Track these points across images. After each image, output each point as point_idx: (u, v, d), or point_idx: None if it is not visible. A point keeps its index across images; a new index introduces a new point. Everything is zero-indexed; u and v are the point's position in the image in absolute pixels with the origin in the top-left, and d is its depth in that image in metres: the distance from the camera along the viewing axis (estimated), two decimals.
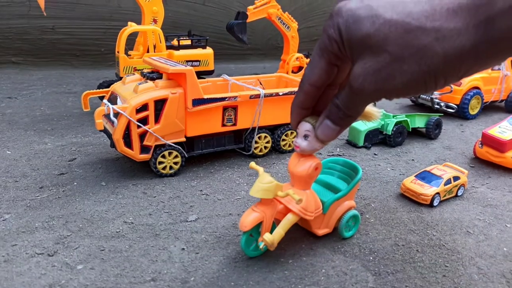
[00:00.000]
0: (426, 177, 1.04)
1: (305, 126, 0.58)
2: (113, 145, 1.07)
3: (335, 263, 0.76)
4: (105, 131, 1.13)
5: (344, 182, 0.89)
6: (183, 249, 0.79)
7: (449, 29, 0.34)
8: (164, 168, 1.11)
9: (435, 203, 0.99)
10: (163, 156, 1.10)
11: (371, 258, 0.78)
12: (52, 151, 1.29)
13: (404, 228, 0.89)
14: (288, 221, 0.74)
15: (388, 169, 1.23)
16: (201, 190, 1.05)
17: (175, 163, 1.12)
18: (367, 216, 0.94)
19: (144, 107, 1.04)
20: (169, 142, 1.10)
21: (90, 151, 1.30)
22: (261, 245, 0.73)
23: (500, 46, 0.33)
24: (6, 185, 1.04)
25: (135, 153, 1.06)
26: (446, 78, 0.36)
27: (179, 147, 1.12)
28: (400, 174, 1.18)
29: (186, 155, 1.14)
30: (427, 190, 0.99)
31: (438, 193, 0.99)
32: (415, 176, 1.06)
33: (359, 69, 0.39)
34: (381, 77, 0.37)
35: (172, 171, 1.12)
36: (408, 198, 1.03)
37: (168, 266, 0.74)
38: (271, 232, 0.73)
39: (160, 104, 1.07)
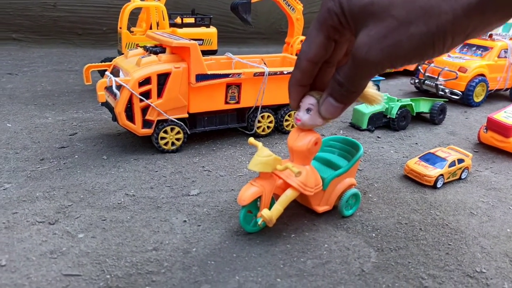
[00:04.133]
0: (430, 158, 1.03)
1: (309, 100, 0.57)
2: (115, 118, 1.06)
3: (337, 238, 0.76)
4: (106, 104, 1.12)
5: (345, 159, 0.88)
6: (185, 221, 0.79)
7: None
8: (166, 144, 1.10)
9: (439, 184, 0.98)
10: (165, 132, 1.09)
11: (373, 235, 0.78)
12: (53, 125, 1.27)
13: (407, 207, 0.89)
14: (287, 196, 0.72)
15: (391, 151, 1.22)
16: (203, 167, 1.04)
17: (177, 139, 1.11)
18: (370, 195, 0.93)
19: (146, 81, 1.03)
20: (171, 117, 1.08)
21: (91, 126, 1.29)
22: (259, 221, 0.71)
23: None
24: (6, 156, 1.03)
25: (137, 128, 1.05)
26: (454, 37, 0.35)
27: (182, 123, 1.11)
28: (403, 157, 1.18)
29: (189, 132, 1.13)
30: (431, 171, 0.98)
31: (442, 174, 0.98)
32: (419, 158, 1.05)
33: (363, 38, 0.37)
34: (388, 43, 0.36)
35: (174, 147, 1.11)
36: (411, 179, 1.02)
37: (170, 237, 0.74)
38: (269, 209, 0.73)
39: (163, 78, 1.05)
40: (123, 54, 1.27)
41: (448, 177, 1.00)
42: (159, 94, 1.05)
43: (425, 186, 0.99)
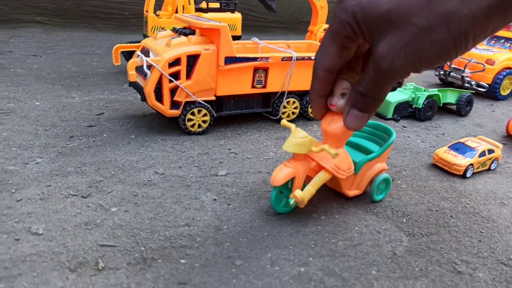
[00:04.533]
0: (460, 148, 1.01)
1: (343, 84, 0.56)
2: (144, 98, 1.06)
3: (367, 222, 0.76)
4: (134, 85, 1.12)
5: (376, 144, 0.88)
6: (215, 199, 0.79)
7: None
8: (192, 126, 1.10)
9: (468, 174, 0.97)
10: (193, 114, 1.09)
11: (404, 220, 0.77)
12: (80, 105, 1.29)
13: (436, 195, 0.88)
14: (319, 178, 0.72)
15: (418, 141, 1.20)
16: (230, 149, 1.04)
17: (204, 122, 1.12)
18: (398, 182, 0.92)
19: (176, 62, 1.03)
20: (199, 99, 1.09)
21: (118, 107, 1.30)
22: (291, 202, 0.71)
23: None
24: (37, 133, 1.05)
25: (165, 108, 1.06)
26: (475, 38, 0.35)
27: (209, 105, 1.11)
28: (430, 146, 1.16)
29: (215, 115, 1.13)
30: (461, 160, 0.97)
31: (471, 164, 0.97)
32: (448, 147, 1.03)
33: (385, 47, 0.38)
34: (411, 50, 0.36)
35: (200, 129, 1.12)
36: (440, 168, 1.01)
37: (201, 214, 0.74)
38: (302, 190, 0.72)
39: (192, 59, 1.05)
40: (148, 37, 1.28)
41: (478, 167, 0.99)
42: (188, 76, 1.06)
43: (454, 175, 0.97)
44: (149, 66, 1.00)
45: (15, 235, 0.64)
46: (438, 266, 0.65)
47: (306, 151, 0.70)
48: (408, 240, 0.71)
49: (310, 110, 1.28)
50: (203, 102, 1.10)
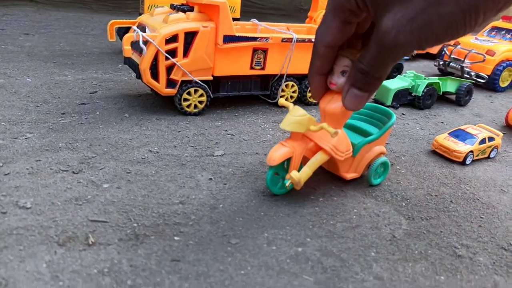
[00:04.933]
0: (460, 135, 1.00)
1: (343, 61, 0.53)
2: (139, 76, 1.03)
3: (366, 205, 0.74)
4: (129, 62, 1.09)
5: (375, 127, 0.86)
6: (211, 179, 0.77)
7: None
8: (188, 106, 1.08)
9: (468, 161, 0.95)
10: (189, 93, 1.06)
11: (403, 204, 0.76)
12: (73, 83, 1.26)
13: (436, 181, 0.86)
14: (317, 159, 0.70)
15: (417, 128, 1.19)
16: (226, 130, 1.02)
17: (200, 102, 1.09)
18: (397, 167, 0.91)
19: (173, 38, 1.00)
20: (196, 79, 1.06)
21: (111, 86, 1.27)
22: (287, 183, 0.69)
23: None
24: (27, 108, 1.02)
25: (161, 86, 1.03)
26: (486, 13, 0.32)
27: (206, 86, 1.08)
28: (429, 134, 1.14)
29: (212, 95, 1.11)
30: (461, 147, 0.95)
31: (471, 151, 0.95)
32: (448, 134, 1.02)
33: (389, 22, 0.35)
34: (417, 25, 0.34)
35: (196, 110, 1.09)
36: (439, 155, 0.99)
37: (196, 192, 0.72)
38: (298, 171, 0.70)
39: (190, 37, 1.02)
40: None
41: (478, 155, 0.97)
42: (185, 54, 1.03)
43: (453, 162, 0.96)
44: (145, 42, 0.97)
45: (2, 208, 0.62)
46: (438, 250, 0.63)
47: (304, 130, 0.67)
48: (408, 224, 0.69)
49: (309, 94, 1.26)
50: (200, 82, 1.07)
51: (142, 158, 0.82)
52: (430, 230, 0.68)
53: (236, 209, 0.68)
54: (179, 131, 0.98)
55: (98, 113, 1.04)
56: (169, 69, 1.02)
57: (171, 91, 1.05)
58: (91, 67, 1.45)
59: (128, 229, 0.60)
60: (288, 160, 0.71)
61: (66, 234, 0.57)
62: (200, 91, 1.08)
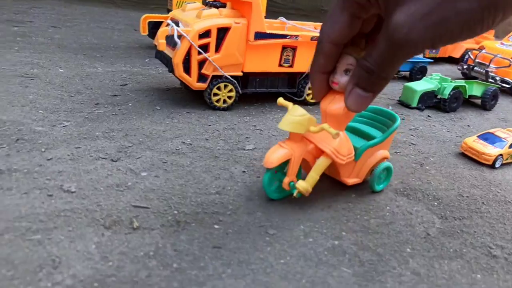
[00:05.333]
0: (489, 138, 1.00)
1: (347, 59, 0.49)
2: (171, 69, 1.05)
3: (398, 203, 0.75)
4: (160, 56, 1.11)
5: (379, 130, 0.81)
6: (244, 171, 0.78)
7: None
8: (217, 101, 1.09)
9: (497, 164, 0.95)
10: (219, 88, 1.08)
11: (435, 203, 0.76)
12: (103, 75, 1.28)
13: (466, 182, 0.86)
14: (320, 164, 0.65)
15: (444, 130, 1.19)
16: (255, 126, 1.03)
17: (229, 98, 1.10)
18: (427, 167, 0.91)
19: (206, 33, 1.01)
20: (226, 74, 1.07)
21: (140, 80, 1.29)
22: (295, 193, 0.64)
23: None
24: (62, 98, 1.04)
25: (193, 80, 1.04)
26: (505, 12, 0.31)
27: (235, 81, 1.10)
28: (456, 136, 1.14)
29: (240, 91, 1.12)
30: (491, 150, 0.95)
31: (501, 154, 0.95)
32: (477, 136, 1.02)
33: (401, 17, 0.32)
34: (432, 21, 0.31)
35: (225, 105, 1.11)
36: (468, 157, 0.99)
37: (231, 183, 0.73)
38: (298, 177, 0.67)
39: (222, 32, 1.03)
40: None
41: (507, 158, 0.97)
42: (217, 49, 1.04)
43: (482, 164, 0.96)
44: (179, 36, 0.99)
45: (48, 191, 0.64)
46: (472, 249, 0.64)
47: (304, 131, 0.62)
48: (441, 223, 0.70)
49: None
50: (230, 77, 1.08)
51: (176, 149, 0.84)
52: (464, 230, 0.68)
53: (271, 201, 0.69)
54: (210, 125, 0.99)
55: (130, 104, 1.06)
56: (201, 63, 1.04)
57: (202, 86, 1.06)
58: (119, 61, 1.47)
59: (169, 215, 0.62)
60: (287, 161, 0.66)
61: (111, 218, 0.59)
62: (230, 87, 1.09)
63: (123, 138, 0.86)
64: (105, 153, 0.78)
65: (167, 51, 1.06)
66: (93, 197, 0.64)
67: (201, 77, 1.06)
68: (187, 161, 0.79)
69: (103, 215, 0.60)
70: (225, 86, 1.09)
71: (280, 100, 0.66)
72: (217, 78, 1.07)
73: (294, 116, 0.61)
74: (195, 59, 1.02)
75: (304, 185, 0.63)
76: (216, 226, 0.61)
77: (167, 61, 1.08)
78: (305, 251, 0.58)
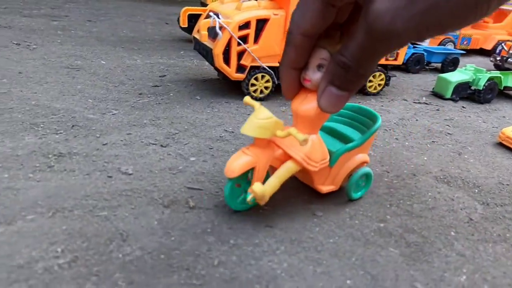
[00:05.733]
0: None
1: (320, 53, 0.44)
2: (211, 60, 1.09)
3: (440, 189, 0.76)
4: (199, 47, 1.15)
5: (358, 131, 0.72)
6: None
7: None
8: (255, 91, 1.12)
9: None
10: (256, 79, 1.11)
11: (476, 191, 0.77)
12: (143, 67, 1.33)
13: (506, 171, 0.87)
14: (286, 170, 0.57)
15: (479, 121, 1.18)
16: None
17: (266, 88, 1.13)
18: (465, 156, 0.92)
19: (246, 25, 1.04)
20: (264, 65, 1.10)
21: (178, 71, 1.33)
22: (249, 197, 0.56)
23: None
24: (108, 88, 1.09)
25: (231, 71, 1.08)
26: None
27: (272, 72, 1.12)
28: (493, 127, 1.14)
29: (277, 82, 1.15)
30: None
31: None
32: None
33: (383, 4, 0.28)
34: (420, 9, 0.28)
35: (262, 95, 1.13)
36: (506, 147, 0.99)
37: None
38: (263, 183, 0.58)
39: (261, 24, 1.06)
40: (207, 5, 1.29)
41: None
42: (256, 40, 1.07)
43: None
44: (220, 28, 1.02)
45: (107, 173, 0.68)
46: None
47: (270, 135, 0.55)
48: (483, 209, 0.71)
49: (368, 84, 1.28)
50: (267, 68, 1.11)
51: (220, 137, 0.87)
52: (506, 216, 0.70)
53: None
54: (248, 114, 1.03)
55: (171, 94, 1.10)
56: (240, 54, 1.07)
57: (241, 76, 1.09)
58: (156, 53, 1.52)
59: (221, 197, 0.65)
60: (252, 170, 0.59)
61: (169, 198, 0.63)
62: (267, 77, 1.12)
63: (169, 125, 0.90)
64: (155, 139, 0.82)
65: (207, 42, 1.10)
66: (149, 179, 0.68)
67: (240, 68, 1.09)
68: (232, 148, 0.83)
69: (161, 195, 0.64)
70: (262, 77, 1.12)
71: (247, 99, 0.59)
72: (255, 69, 1.10)
73: (258, 119, 0.54)
74: (234, 50, 1.05)
75: (261, 189, 0.55)
76: (266, 207, 0.64)
77: (206, 52, 1.11)
78: (352, 232, 0.61)
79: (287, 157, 0.58)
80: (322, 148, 0.59)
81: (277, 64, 1.13)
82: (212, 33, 1.04)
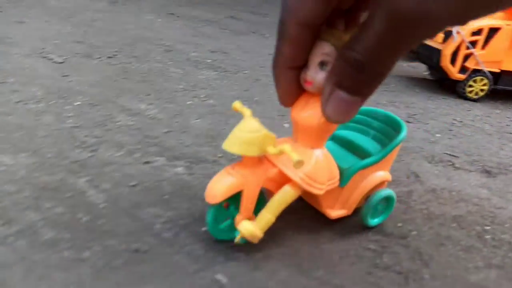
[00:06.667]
0: None
1: (323, 48, 0.35)
2: (432, 60, 1.23)
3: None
4: (425, 49, 1.30)
5: (377, 143, 0.57)
6: None
7: None
8: (470, 92, 1.23)
9: None
10: (474, 81, 1.22)
11: None
12: None
13: None
14: (281, 197, 0.45)
15: None
16: (509, 117, 1.14)
17: (481, 90, 1.23)
18: None
19: (478, 32, 1.16)
20: (486, 69, 1.20)
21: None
22: (237, 238, 0.46)
23: None
24: None
25: (454, 71, 1.21)
26: None
27: (491, 76, 1.22)
28: None
29: (493, 86, 1.24)
30: None
31: None
32: None
33: None
34: None
35: (476, 96, 1.24)
36: None
37: None
38: (255, 211, 0.47)
39: (492, 32, 1.17)
40: None
41: None
42: (483, 46, 1.18)
43: None
44: (457, 32, 1.16)
45: None
46: None
47: (258, 153, 0.43)
48: None
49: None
50: (487, 72, 1.21)
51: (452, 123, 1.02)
52: None
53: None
54: (469, 110, 1.14)
55: (393, 85, 1.28)
56: (465, 57, 1.19)
57: (461, 76, 1.22)
58: None
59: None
60: (239, 193, 0.46)
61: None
62: (485, 81, 1.22)
63: (406, 108, 1.07)
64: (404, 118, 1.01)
65: (432, 42, 1.25)
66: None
67: (462, 69, 1.21)
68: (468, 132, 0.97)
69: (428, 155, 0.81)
70: (481, 80, 1.22)
71: (236, 104, 0.47)
72: (475, 72, 1.21)
73: (244, 132, 0.43)
74: (462, 53, 1.18)
75: (250, 229, 0.45)
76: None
77: (429, 52, 1.26)
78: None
79: (284, 177, 0.45)
80: (329, 166, 0.46)
81: (498, 70, 1.22)
82: (445, 35, 1.18)
